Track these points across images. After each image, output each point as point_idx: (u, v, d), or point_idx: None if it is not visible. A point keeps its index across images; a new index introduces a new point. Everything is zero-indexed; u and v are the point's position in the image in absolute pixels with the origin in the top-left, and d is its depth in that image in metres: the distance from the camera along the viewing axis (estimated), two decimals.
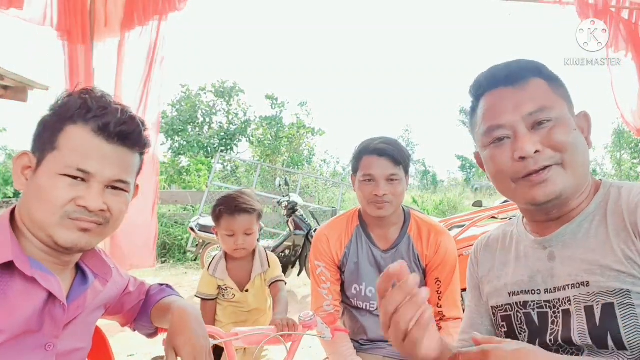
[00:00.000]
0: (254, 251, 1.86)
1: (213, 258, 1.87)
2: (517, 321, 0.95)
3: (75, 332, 0.93)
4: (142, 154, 0.96)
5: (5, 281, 0.81)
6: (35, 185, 0.85)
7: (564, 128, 0.85)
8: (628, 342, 0.77)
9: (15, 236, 0.85)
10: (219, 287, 1.82)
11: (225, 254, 1.84)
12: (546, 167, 0.85)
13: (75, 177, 0.84)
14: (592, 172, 0.95)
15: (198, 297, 1.83)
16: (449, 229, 3.12)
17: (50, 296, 0.85)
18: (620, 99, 3.49)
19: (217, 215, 1.79)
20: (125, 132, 0.89)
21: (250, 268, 1.82)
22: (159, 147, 3.73)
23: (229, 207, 1.75)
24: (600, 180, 0.93)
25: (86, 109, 0.87)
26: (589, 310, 0.82)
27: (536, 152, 0.84)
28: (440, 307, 1.60)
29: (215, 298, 1.83)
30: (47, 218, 0.83)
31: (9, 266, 0.81)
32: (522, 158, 0.85)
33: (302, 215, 5.67)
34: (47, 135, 0.86)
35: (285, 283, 1.86)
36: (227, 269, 1.81)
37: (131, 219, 3.18)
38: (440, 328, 1.59)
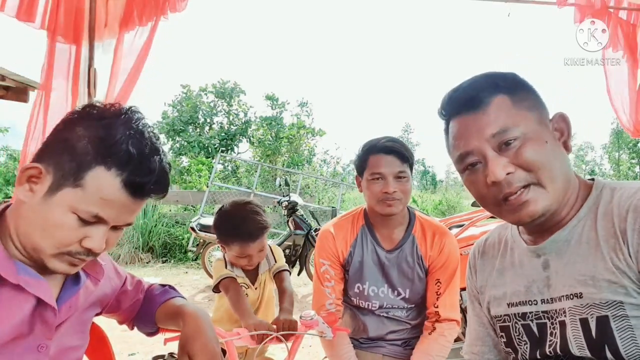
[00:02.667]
0: None
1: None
2: (516, 332, 0.94)
3: (69, 332, 0.92)
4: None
5: None
6: (42, 211, 0.79)
7: (533, 144, 0.83)
8: (626, 354, 0.77)
9: (1, 241, 0.82)
10: None
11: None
12: (522, 187, 0.83)
13: (86, 222, 0.80)
14: (590, 172, 0.93)
15: (220, 279, 1.67)
16: (448, 229, 3.13)
17: (40, 300, 0.83)
18: (616, 99, 3.48)
19: (225, 239, 1.66)
20: (155, 191, 0.85)
21: (257, 267, 1.80)
22: None
23: (242, 234, 1.61)
24: (592, 180, 0.91)
25: (127, 158, 0.79)
26: (584, 323, 0.81)
27: (508, 174, 0.82)
28: (437, 307, 1.61)
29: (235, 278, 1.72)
30: (46, 249, 0.80)
31: None
32: (495, 183, 0.83)
33: (302, 215, 5.68)
34: (71, 165, 0.78)
35: (290, 273, 1.84)
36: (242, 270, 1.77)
37: None
38: (434, 329, 1.60)
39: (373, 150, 1.57)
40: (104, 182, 0.79)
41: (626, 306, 0.77)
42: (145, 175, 0.81)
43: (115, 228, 0.86)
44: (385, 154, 1.54)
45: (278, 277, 1.79)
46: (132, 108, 0.87)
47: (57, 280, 0.91)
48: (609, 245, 0.80)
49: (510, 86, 0.87)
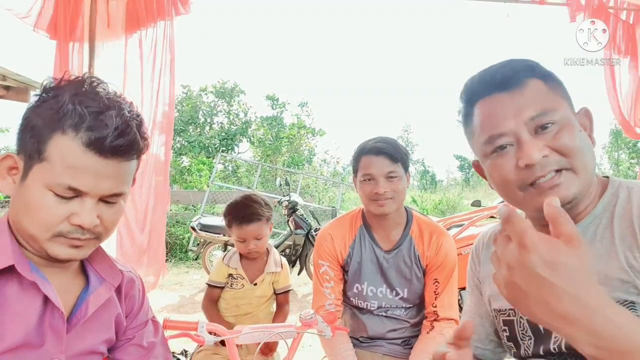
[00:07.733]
0: (267, 250, 1.94)
1: (228, 251, 1.95)
2: (520, 327, 0.93)
3: (81, 345, 0.88)
4: (139, 156, 0.88)
5: (3, 286, 0.78)
6: (23, 197, 0.79)
7: (570, 130, 0.80)
8: None
9: (15, 239, 0.82)
10: (230, 275, 1.87)
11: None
12: (555, 171, 0.80)
13: (66, 197, 0.78)
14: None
15: (208, 284, 1.90)
16: (448, 229, 3.15)
17: (48, 305, 0.81)
18: (614, 99, 3.50)
19: (227, 223, 1.85)
20: (120, 145, 0.80)
21: (264, 264, 1.90)
22: (165, 148, 3.59)
23: (238, 217, 1.80)
24: (607, 177, 0.89)
25: (78, 118, 0.77)
26: None
27: (544, 157, 0.79)
28: (435, 306, 1.62)
29: (223, 287, 1.88)
30: (39, 234, 0.79)
31: (6, 271, 0.78)
32: (528, 165, 0.80)
33: (302, 215, 5.70)
34: (33, 141, 0.79)
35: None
36: (240, 262, 1.89)
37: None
38: (432, 328, 1.61)
39: (363, 152, 1.60)
40: (64, 147, 0.77)
41: (638, 307, 0.75)
42: (102, 129, 0.78)
43: (106, 202, 0.83)
44: (375, 155, 1.56)
45: (284, 296, 1.92)
46: (87, 74, 0.84)
47: (73, 290, 0.89)
48: (625, 244, 0.78)
49: (544, 72, 0.86)
